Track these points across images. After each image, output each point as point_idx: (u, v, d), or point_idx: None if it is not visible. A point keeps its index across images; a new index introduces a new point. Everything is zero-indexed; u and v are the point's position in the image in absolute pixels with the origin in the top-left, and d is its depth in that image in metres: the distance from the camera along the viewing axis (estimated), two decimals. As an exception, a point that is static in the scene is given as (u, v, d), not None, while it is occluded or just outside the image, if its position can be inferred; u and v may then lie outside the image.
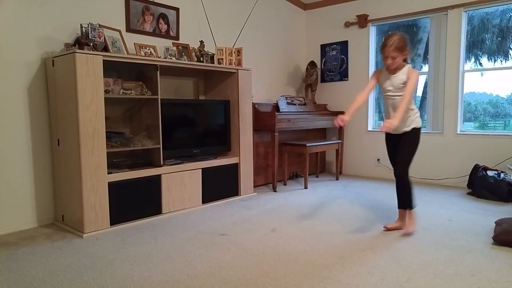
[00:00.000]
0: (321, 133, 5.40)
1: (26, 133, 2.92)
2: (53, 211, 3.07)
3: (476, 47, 4.48)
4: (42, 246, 2.53)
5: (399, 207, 2.82)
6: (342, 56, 5.33)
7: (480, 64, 4.51)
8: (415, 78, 2.60)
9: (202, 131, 3.73)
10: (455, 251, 2.37)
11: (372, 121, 5.21)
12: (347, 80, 5.31)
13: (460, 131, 4.43)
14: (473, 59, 4.53)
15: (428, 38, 4.71)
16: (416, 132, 2.72)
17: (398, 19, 4.84)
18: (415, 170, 4.70)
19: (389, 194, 4.02)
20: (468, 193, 3.99)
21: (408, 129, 2.69)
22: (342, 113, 5.13)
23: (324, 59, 5.52)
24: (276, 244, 2.53)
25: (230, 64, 3.83)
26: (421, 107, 5.01)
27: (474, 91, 4.63)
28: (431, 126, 4.68)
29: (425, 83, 4.91)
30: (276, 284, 1.94)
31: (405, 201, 2.77)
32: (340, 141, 4.91)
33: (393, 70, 2.66)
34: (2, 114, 2.79)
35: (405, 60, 2.66)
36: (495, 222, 2.69)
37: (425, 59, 4.83)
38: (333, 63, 5.43)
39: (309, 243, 2.55)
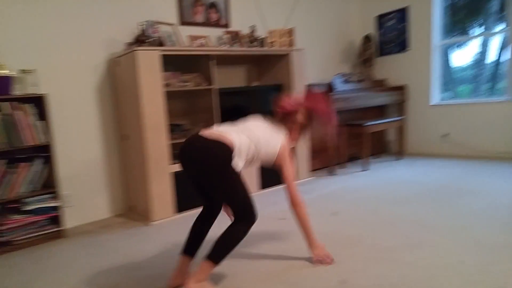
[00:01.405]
0: (381, 111, 5.16)
1: (98, 130, 3.16)
2: (124, 201, 3.32)
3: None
4: (117, 234, 2.76)
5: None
6: (402, 24, 4.96)
7: None
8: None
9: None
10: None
11: (436, 94, 4.84)
12: (408, 50, 4.96)
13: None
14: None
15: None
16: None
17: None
18: (488, 144, 4.31)
19: (457, 172, 3.76)
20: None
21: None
22: (402, 88, 4.93)
23: (381, 31, 5.20)
24: (338, 228, 2.50)
25: (282, 46, 3.78)
26: (495, 74, 4.50)
27: None
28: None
29: (500, 45, 4.37)
30: (342, 267, 1.93)
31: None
32: (403, 117, 4.66)
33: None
34: (77, 114, 3.04)
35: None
36: None
37: (500, 18, 4.28)
38: (391, 34, 5.09)
39: (372, 226, 2.49)
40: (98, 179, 3.17)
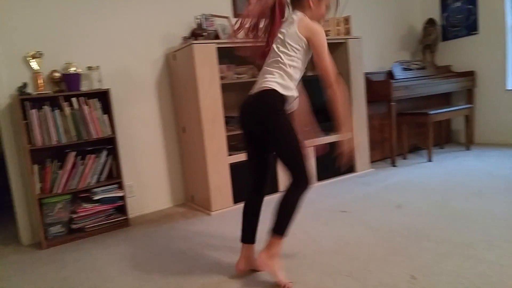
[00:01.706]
0: (445, 99, 4.82)
1: (158, 123, 3.27)
2: (184, 192, 3.41)
3: None
4: (178, 223, 2.83)
5: None
6: (469, 6, 4.57)
7: None
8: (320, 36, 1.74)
9: (312, 108, 3.66)
10: None
11: (511, 79, 4.41)
12: (477, 33, 4.56)
13: None
14: None
15: None
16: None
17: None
18: None
19: (539, 163, 3.40)
20: None
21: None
22: (471, 73, 4.56)
23: (445, 14, 4.83)
24: (403, 221, 2.36)
25: (338, 34, 3.65)
26: None
27: None
28: None
29: None
30: (411, 262, 1.81)
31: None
32: (470, 105, 4.32)
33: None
34: (138, 107, 3.17)
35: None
36: None
37: None
38: (458, 17, 4.71)
39: (441, 219, 2.31)
40: (159, 170, 3.29)
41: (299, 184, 1.69)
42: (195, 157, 3.08)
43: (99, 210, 2.77)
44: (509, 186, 2.81)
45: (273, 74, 1.71)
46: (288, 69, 1.71)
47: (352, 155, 1.76)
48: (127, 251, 2.37)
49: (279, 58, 1.71)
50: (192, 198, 3.29)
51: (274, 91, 1.67)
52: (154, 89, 3.24)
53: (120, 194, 2.84)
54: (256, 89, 1.75)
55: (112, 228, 2.81)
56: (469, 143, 4.38)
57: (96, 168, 2.80)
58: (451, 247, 1.93)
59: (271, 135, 1.70)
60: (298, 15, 1.74)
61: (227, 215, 2.89)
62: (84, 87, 2.83)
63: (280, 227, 1.69)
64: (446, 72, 4.71)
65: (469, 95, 4.61)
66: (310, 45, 1.72)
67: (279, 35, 1.75)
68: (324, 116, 3.69)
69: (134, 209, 3.12)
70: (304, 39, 1.70)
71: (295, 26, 1.70)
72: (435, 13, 4.89)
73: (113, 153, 2.86)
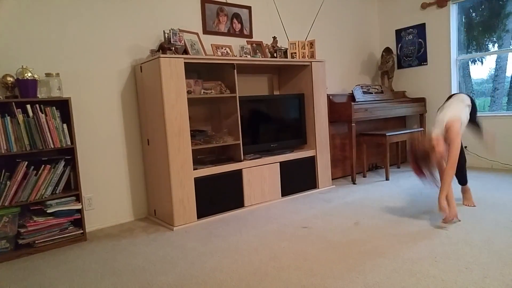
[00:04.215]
0: (401, 122, 5.12)
1: (121, 134, 3.21)
2: (146, 206, 3.35)
3: None
4: (139, 238, 2.77)
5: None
6: (420, 39, 4.98)
7: None
8: (453, 132, 2.62)
9: (278, 126, 3.77)
10: None
11: (458, 106, 4.78)
12: (426, 64, 4.96)
13: None
14: None
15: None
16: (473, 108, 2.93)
17: (484, -7, 4.37)
18: (509, 157, 4.25)
19: (480, 183, 3.68)
20: None
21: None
22: (422, 100, 4.91)
23: (400, 45, 5.21)
24: (360, 237, 2.46)
25: (303, 57, 3.81)
26: None
27: None
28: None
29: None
30: (364, 279, 1.89)
31: (462, 177, 3.00)
32: (422, 129, 4.61)
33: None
34: (101, 118, 3.10)
35: None
36: None
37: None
38: (410, 48, 5.11)
39: (395, 236, 2.44)
40: (120, 182, 3.21)
41: None
42: (159, 170, 3.05)
43: (52, 224, 2.65)
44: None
45: None
46: None
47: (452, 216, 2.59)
48: (81, 267, 2.29)
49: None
50: (155, 212, 3.23)
51: None
52: (119, 99, 3.19)
53: (78, 207, 2.74)
54: None
55: (67, 243, 2.70)
56: (421, 164, 4.65)
57: (52, 180, 2.68)
58: (402, 263, 2.04)
59: None
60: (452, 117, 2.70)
61: (190, 230, 2.87)
62: (42, 94, 2.72)
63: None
64: (401, 97, 5.02)
65: (421, 119, 4.94)
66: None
67: None
68: (292, 133, 3.82)
69: (92, 223, 3.02)
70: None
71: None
72: (392, 43, 5.25)
73: (72, 164, 2.77)
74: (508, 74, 4.59)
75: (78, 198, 2.75)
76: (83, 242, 2.74)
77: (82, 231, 2.77)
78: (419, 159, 2.55)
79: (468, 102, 2.86)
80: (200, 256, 2.34)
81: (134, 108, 3.28)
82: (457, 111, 2.70)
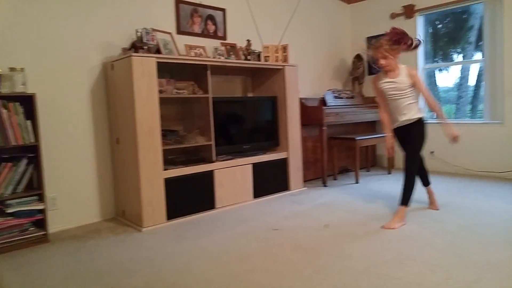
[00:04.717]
0: (371, 126, 5.25)
1: (90, 133, 3.12)
2: (115, 206, 3.26)
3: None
4: (106, 239, 2.69)
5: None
6: (389, 47, 5.14)
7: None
8: (419, 76, 2.76)
9: (251, 127, 3.78)
10: (526, 249, 2.21)
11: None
12: (396, 71, 5.11)
13: (524, 120, 4.12)
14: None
15: (480, 24, 4.42)
16: (422, 122, 2.83)
17: (447, 7, 4.59)
18: (472, 162, 4.46)
19: (445, 187, 3.83)
20: (536, 188, 3.70)
21: (414, 119, 2.80)
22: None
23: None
24: (330, 240, 2.50)
25: (276, 61, 3.84)
26: (475, 97, 4.74)
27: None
28: (490, 116, 4.38)
29: (479, 72, 4.63)
30: (332, 281, 1.92)
31: (402, 196, 2.80)
32: (390, 134, 4.74)
33: (392, 73, 2.75)
34: (69, 116, 3.00)
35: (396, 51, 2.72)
36: None
37: (477, 47, 4.55)
38: (381, 55, 5.25)
39: (363, 239, 2.50)
40: (88, 182, 3.11)
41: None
42: (128, 169, 2.98)
43: (12, 225, 2.53)
44: (420, 209, 3.12)
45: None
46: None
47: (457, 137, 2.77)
48: (42, 270, 2.19)
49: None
50: (123, 213, 3.15)
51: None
52: (88, 97, 3.10)
53: (40, 207, 2.63)
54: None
55: (28, 245, 2.58)
56: (390, 167, 4.80)
57: (13, 178, 2.57)
58: (369, 265, 2.09)
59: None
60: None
61: (160, 231, 2.81)
62: (4, 89, 2.59)
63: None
64: (371, 102, 5.14)
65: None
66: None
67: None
68: (265, 134, 3.83)
69: (56, 224, 2.90)
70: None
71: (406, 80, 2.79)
72: (363, 49, 5.38)
73: (36, 162, 2.66)
74: (471, 83, 4.82)
75: (41, 198, 2.64)
76: (45, 244, 2.63)
77: (44, 232, 2.66)
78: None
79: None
80: (169, 258, 2.30)
81: (104, 106, 3.19)
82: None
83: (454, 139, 2.75)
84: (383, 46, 2.69)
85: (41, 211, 2.65)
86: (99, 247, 2.54)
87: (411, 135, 2.81)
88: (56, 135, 2.93)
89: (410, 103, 2.79)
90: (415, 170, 2.81)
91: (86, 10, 3.05)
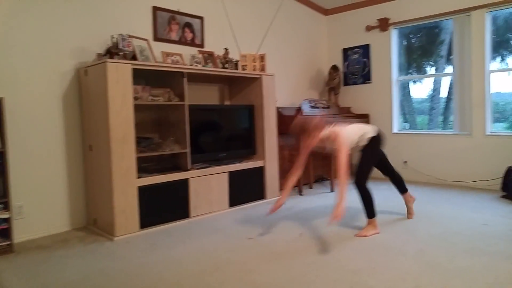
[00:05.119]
0: (346, 137, 5.34)
1: (61, 139, 3.03)
2: (86, 215, 3.16)
3: (501, 47, 4.36)
4: (75, 249, 2.60)
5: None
6: (364, 59, 5.29)
7: (507, 64, 4.38)
8: (341, 140, 2.63)
9: (227, 136, 3.77)
10: (493, 258, 2.28)
11: (397, 123, 5.12)
12: (370, 82, 5.26)
13: (490, 132, 4.30)
14: (499, 59, 4.41)
15: (451, 39, 4.62)
16: (372, 142, 2.83)
17: (420, 22, 4.77)
18: (443, 172, 4.60)
19: (417, 196, 3.91)
20: (503, 196, 3.85)
21: (364, 144, 2.82)
22: (366, 116, 5.19)
23: (346, 63, 5.49)
24: (304, 248, 2.51)
25: (254, 70, 3.86)
26: (447, 108, 4.92)
27: (502, 91, 4.50)
28: (459, 127, 4.55)
29: (450, 84, 4.82)
30: (306, 288, 1.92)
31: (365, 210, 2.83)
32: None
33: (327, 141, 2.76)
34: (39, 122, 2.91)
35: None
36: (533, 227, 2.59)
37: (448, 60, 4.74)
38: (356, 67, 5.39)
39: (338, 247, 2.52)
40: (57, 190, 3.01)
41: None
42: (101, 177, 2.90)
43: (-25, 234, 2.42)
44: (392, 218, 3.19)
45: None
46: None
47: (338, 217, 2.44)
48: (6, 283, 2.09)
49: None
50: (95, 222, 3.06)
51: None
52: (60, 102, 3.02)
53: (5, 216, 2.53)
54: None
55: (-8, 255, 2.47)
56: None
57: (-22, 186, 2.46)
58: (343, 274, 2.11)
59: None
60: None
61: (132, 241, 2.75)
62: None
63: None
64: (346, 112, 5.25)
65: (365, 134, 5.19)
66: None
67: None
68: (241, 143, 3.83)
69: (22, 233, 2.79)
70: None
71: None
72: (339, 61, 5.51)
73: (1, 169, 2.56)
74: (443, 95, 5.00)
75: (7, 206, 2.54)
76: (10, 255, 2.52)
77: (9, 242, 2.55)
78: (302, 126, 2.71)
79: (370, 134, 2.83)
80: (141, 268, 2.24)
81: (76, 112, 3.11)
82: (348, 130, 2.77)
83: (335, 217, 2.41)
84: (309, 134, 2.72)
85: (6, 220, 2.54)
86: (67, 257, 2.45)
87: (361, 155, 2.86)
88: (25, 141, 2.84)
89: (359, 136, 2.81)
90: (363, 184, 2.80)
91: (59, 13, 2.98)
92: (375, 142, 2.86)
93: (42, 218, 2.92)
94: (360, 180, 2.80)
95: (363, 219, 3.14)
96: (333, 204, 3.71)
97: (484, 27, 4.22)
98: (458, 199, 3.82)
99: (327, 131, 2.72)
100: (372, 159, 2.89)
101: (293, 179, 2.85)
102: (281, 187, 2.82)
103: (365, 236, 2.71)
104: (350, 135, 2.77)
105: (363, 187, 2.80)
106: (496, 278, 2.01)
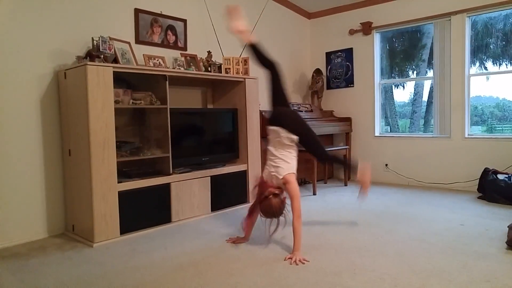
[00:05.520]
0: (328, 139, 5.40)
1: (38, 143, 2.96)
2: (64, 221, 3.10)
3: (480, 51, 4.49)
4: (52, 257, 2.55)
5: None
6: (347, 63, 5.35)
7: (485, 68, 4.51)
8: (292, 186, 2.64)
9: (210, 139, 3.76)
10: (469, 257, 2.34)
11: (379, 127, 5.20)
12: (353, 86, 5.33)
13: (468, 134, 4.42)
14: (478, 64, 4.54)
15: (432, 43, 4.73)
16: (295, 130, 2.76)
17: (402, 26, 4.87)
18: (423, 174, 4.69)
19: (397, 198, 4.00)
20: (479, 197, 3.95)
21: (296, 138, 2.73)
22: (348, 119, 5.26)
23: (329, 66, 5.55)
24: (286, 252, 2.52)
25: (237, 73, 3.87)
26: (427, 111, 5.03)
27: (480, 95, 4.64)
28: (438, 130, 4.66)
29: (430, 87, 4.94)
30: (287, 292, 1.93)
31: (348, 167, 3.21)
32: (347, 146, 4.91)
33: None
34: (15, 126, 2.84)
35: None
36: (508, 226, 2.66)
37: (430, 64, 4.85)
38: (339, 70, 5.45)
39: (319, 250, 2.54)
40: (34, 195, 2.94)
41: None
42: (80, 182, 2.86)
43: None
44: (373, 220, 3.23)
45: None
46: None
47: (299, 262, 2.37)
48: (-18, 290, 2.04)
49: None
50: (73, 228, 3.00)
51: None
52: (37, 106, 2.95)
53: (-19, 223, 2.45)
54: None
55: (-35, 264, 2.39)
56: (347, 180, 4.94)
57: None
58: (323, 276, 2.13)
59: None
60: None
61: (112, 247, 2.70)
62: None
63: None
64: (329, 116, 5.31)
65: (347, 137, 5.26)
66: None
67: None
68: (224, 147, 3.82)
69: (-3, 241, 2.71)
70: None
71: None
72: (322, 64, 5.57)
73: (-23, 175, 2.49)
74: (424, 99, 5.11)
75: (-18, 213, 2.47)
76: (-15, 263, 2.45)
77: (-16, 251, 2.47)
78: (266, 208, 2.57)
79: (291, 136, 2.71)
80: (121, 274, 2.21)
81: (55, 116, 3.05)
82: (290, 164, 2.68)
83: (293, 261, 2.34)
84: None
85: (-19, 227, 2.47)
86: (44, 265, 2.40)
87: (303, 142, 2.78)
88: (0, 146, 2.76)
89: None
90: (326, 154, 2.95)
91: (38, 14, 2.93)
92: (295, 125, 2.78)
93: (18, 225, 2.85)
94: (321, 154, 2.89)
95: (342, 221, 3.17)
96: (315, 208, 3.74)
97: (464, 31, 4.34)
98: (437, 200, 3.90)
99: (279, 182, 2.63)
100: (309, 133, 2.80)
101: (255, 215, 2.73)
102: (244, 225, 2.76)
103: (368, 187, 2.99)
104: (294, 164, 2.71)
105: (328, 156, 2.96)
106: (470, 276, 2.06)
